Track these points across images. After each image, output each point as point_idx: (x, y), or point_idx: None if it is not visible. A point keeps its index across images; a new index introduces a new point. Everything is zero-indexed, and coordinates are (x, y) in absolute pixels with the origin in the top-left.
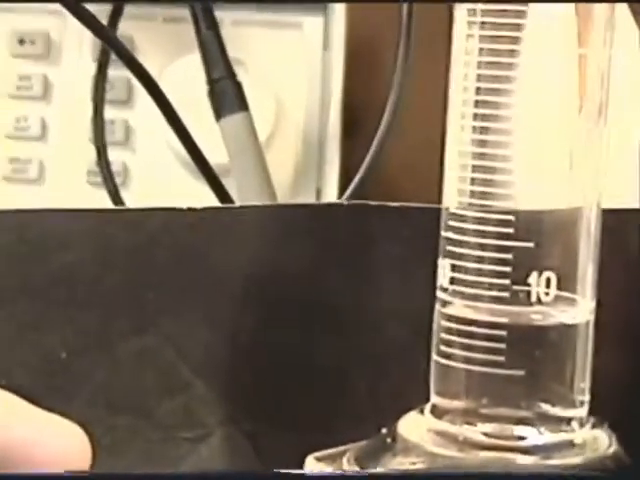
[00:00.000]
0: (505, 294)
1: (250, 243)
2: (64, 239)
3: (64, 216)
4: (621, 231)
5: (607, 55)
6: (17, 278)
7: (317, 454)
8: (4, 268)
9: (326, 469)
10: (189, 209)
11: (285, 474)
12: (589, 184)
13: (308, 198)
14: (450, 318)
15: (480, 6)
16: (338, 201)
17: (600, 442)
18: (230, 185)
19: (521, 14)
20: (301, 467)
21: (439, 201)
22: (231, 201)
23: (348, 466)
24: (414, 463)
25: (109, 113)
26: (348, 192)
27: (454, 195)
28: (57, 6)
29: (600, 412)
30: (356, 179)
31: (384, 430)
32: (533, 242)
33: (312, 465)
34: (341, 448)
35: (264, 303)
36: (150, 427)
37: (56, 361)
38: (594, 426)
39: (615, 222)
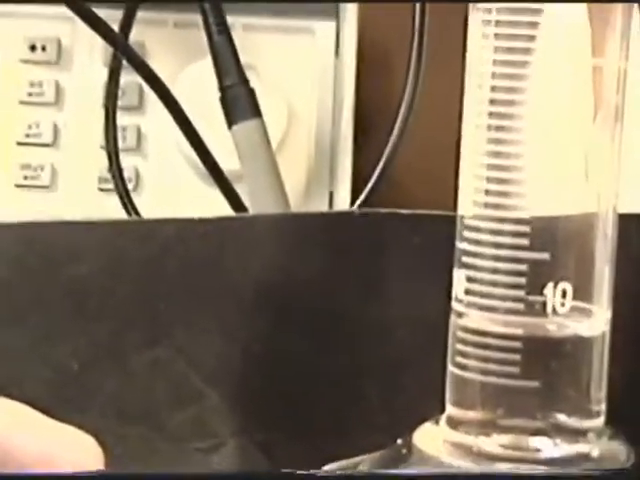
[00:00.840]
0: (520, 305)
1: (262, 252)
2: (75, 251)
3: (75, 228)
4: (634, 236)
5: (623, 62)
6: (29, 290)
7: (331, 465)
8: (16, 280)
9: None
10: (201, 219)
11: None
12: (605, 191)
13: (321, 203)
14: (465, 329)
15: (495, 16)
16: (350, 209)
17: (618, 455)
18: (242, 191)
19: (534, 25)
20: None
21: (452, 205)
22: (243, 207)
23: None
24: None
25: (121, 119)
26: (361, 197)
27: (469, 206)
28: (68, 12)
29: (615, 421)
30: (369, 184)
31: (399, 441)
32: (548, 253)
33: None
34: (355, 459)
35: (277, 312)
36: (162, 438)
37: (68, 373)
38: (611, 438)
39: (629, 227)
